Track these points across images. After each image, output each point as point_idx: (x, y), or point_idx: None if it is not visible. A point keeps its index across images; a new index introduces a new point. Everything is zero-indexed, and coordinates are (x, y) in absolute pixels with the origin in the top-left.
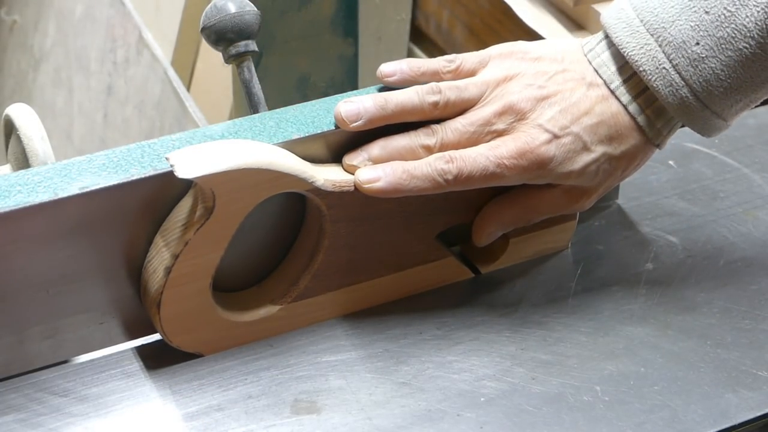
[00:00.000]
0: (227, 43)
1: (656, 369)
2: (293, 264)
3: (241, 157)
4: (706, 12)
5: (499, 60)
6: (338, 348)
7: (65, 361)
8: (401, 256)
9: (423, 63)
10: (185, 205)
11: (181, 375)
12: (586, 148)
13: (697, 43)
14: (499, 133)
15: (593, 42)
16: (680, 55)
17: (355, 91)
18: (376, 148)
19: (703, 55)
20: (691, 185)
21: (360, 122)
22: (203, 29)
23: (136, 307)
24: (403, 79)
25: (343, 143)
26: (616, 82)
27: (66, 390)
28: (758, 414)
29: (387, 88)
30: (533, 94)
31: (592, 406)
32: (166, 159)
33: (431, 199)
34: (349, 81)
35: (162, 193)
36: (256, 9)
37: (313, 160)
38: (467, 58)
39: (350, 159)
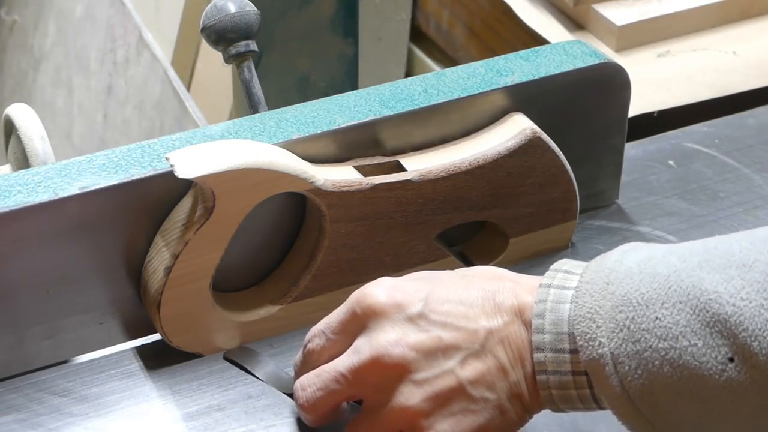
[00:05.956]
0: (227, 43)
1: None
2: (293, 264)
3: (241, 157)
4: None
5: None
6: None
7: (65, 361)
8: (401, 256)
9: None
10: (185, 205)
11: (181, 375)
12: None
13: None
14: None
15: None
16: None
17: (354, 92)
18: None
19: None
20: (691, 185)
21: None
22: (203, 29)
23: (136, 307)
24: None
25: (343, 143)
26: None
27: (66, 390)
28: None
29: (386, 89)
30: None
31: None
32: (166, 159)
33: (431, 199)
34: (349, 81)
35: (162, 193)
36: (256, 9)
37: (314, 160)
38: None
39: None
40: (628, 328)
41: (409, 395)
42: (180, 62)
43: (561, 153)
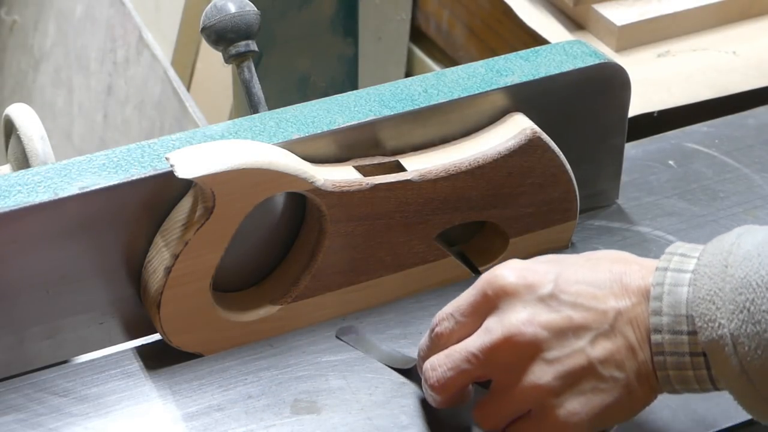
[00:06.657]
0: (227, 43)
1: None
2: (293, 264)
3: (241, 157)
4: None
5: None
6: (338, 348)
7: (65, 361)
8: (401, 256)
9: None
10: (185, 205)
11: (181, 375)
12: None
13: None
14: None
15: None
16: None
17: (354, 92)
18: None
19: None
20: (691, 185)
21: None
22: (203, 29)
23: (136, 307)
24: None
25: (343, 143)
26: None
27: (66, 390)
28: None
29: (386, 89)
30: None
31: None
32: (166, 159)
33: (431, 199)
34: (349, 81)
35: (162, 193)
36: (256, 9)
37: (314, 160)
38: None
39: None
40: (748, 310)
41: (541, 373)
42: (180, 62)
43: (561, 153)
